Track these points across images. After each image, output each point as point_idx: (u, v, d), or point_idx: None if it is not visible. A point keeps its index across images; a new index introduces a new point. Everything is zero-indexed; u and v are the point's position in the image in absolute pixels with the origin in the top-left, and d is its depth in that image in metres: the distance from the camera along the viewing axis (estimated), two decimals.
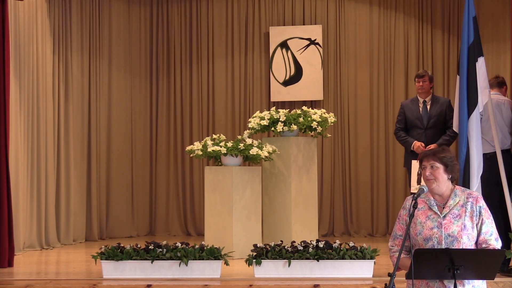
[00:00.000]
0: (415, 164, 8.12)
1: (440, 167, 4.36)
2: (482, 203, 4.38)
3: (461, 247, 4.25)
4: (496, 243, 4.31)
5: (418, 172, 8.06)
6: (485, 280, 4.34)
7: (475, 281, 4.27)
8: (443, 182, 4.38)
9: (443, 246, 4.26)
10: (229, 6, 11.48)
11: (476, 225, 4.34)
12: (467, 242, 4.29)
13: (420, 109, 8.45)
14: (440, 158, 4.37)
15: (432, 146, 8.21)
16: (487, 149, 7.30)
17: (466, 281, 4.25)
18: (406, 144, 8.43)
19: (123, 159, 11.19)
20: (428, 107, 8.43)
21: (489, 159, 7.19)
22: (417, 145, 8.25)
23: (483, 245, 4.31)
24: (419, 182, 8.07)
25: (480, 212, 4.35)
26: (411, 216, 4.28)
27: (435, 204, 4.40)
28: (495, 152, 7.10)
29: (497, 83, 7.89)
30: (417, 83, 8.47)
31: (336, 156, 11.18)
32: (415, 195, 4.28)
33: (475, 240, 4.33)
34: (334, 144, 11.17)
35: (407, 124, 8.50)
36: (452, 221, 4.32)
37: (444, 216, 4.34)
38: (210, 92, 11.47)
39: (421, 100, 8.48)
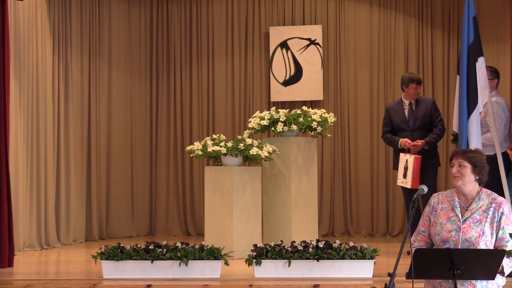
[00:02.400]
0: (402, 157, 8.29)
1: (468, 166, 4.36)
2: (505, 209, 4.35)
3: None
4: None
5: (404, 166, 8.18)
6: (501, 285, 4.34)
7: (487, 281, 4.27)
8: (469, 182, 4.37)
9: None
10: (229, 6, 11.47)
11: (496, 230, 4.32)
12: (485, 248, 4.27)
13: (406, 112, 8.61)
14: (470, 157, 4.37)
15: (419, 142, 8.35)
16: (488, 150, 7.29)
17: (478, 282, 4.25)
18: (394, 144, 8.65)
19: (123, 159, 11.18)
20: (414, 108, 8.56)
21: (489, 159, 7.18)
22: (403, 141, 8.44)
23: None
24: (404, 176, 8.19)
25: (500, 218, 4.32)
26: (410, 216, 4.29)
27: (458, 205, 4.38)
28: (495, 154, 7.09)
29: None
30: (414, 89, 8.60)
31: (336, 156, 11.17)
32: (416, 196, 4.28)
33: (493, 246, 4.32)
34: (334, 144, 11.16)
35: (394, 127, 8.71)
36: (472, 226, 4.30)
37: (465, 220, 4.32)
38: (210, 92, 11.45)
39: (406, 102, 8.63)
